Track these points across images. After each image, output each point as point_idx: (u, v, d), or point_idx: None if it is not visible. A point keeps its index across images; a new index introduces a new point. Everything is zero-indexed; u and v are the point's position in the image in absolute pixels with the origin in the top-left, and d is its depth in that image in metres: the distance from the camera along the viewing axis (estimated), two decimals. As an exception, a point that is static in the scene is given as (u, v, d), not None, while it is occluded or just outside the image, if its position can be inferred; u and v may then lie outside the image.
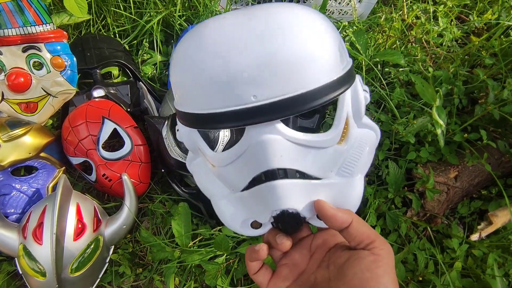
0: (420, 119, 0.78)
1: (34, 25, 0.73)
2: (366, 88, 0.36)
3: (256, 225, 0.36)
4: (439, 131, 0.68)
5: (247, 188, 0.34)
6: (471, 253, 0.79)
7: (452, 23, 1.07)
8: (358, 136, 0.35)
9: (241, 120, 0.30)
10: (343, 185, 0.34)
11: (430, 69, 0.86)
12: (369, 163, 0.36)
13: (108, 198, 0.83)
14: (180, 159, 0.71)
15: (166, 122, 0.73)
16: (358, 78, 0.36)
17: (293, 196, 0.32)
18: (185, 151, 0.70)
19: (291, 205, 0.32)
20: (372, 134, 0.37)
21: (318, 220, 0.35)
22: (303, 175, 0.33)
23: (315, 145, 0.32)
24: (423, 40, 0.93)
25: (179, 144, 0.70)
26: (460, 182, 0.84)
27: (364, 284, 0.28)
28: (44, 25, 0.74)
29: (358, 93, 0.35)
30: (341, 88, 0.32)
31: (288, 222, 0.33)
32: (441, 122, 0.67)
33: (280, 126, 0.31)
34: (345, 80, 0.32)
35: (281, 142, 0.30)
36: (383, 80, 0.88)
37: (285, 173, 0.31)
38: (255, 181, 0.33)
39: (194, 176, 0.41)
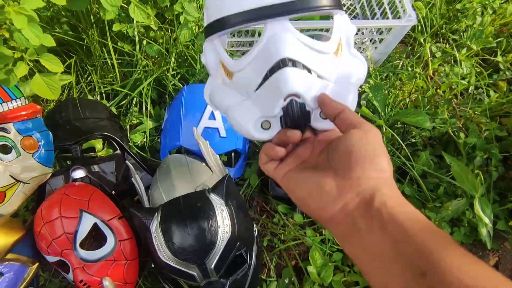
0: (455, 202, 0.66)
1: (1, 103, 0.63)
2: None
3: (266, 126, 0.40)
4: (484, 232, 0.56)
5: (260, 85, 0.39)
6: None
7: (476, 68, 0.95)
8: (349, 59, 0.42)
9: (260, 16, 0.37)
10: (340, 91, 0.39)
11: (462, 135, 0.74)
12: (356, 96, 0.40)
13: (89, 297, 0.71)
14: (171, 263, 0.59)
15: (156, 214, 0.62)
16: (344, 13, 0.43)
17: (301, 83, 0.37)
18: (177, 253, 0.58)
19: (299, 90, 0.36)
20: (361, 65, 0.42)
21: (320, 122, 0.39)
22: (309, 71, 0.38)
23: (317, 48, 0.38)
24: (450, 96, 0.81)
25: (170, 245, 0.59)
26: (501, 270, 0.72)
27: (357, 150, 0.32)
28: (13, 101, 0.64)
29: (348, 23, 0.43)
30: (337, 5, 0.40)
31: (296, 113, 0.38)
32: (486, 220, 0.55)
33: (290, 26, 0.38)
34: (338, 3, 0.41)
35: (291, 38, 0.37)
36: (404, 148, 0.76)
37: (294, 64, 0.37)
38: (268, 75, 0.38)
39: (212, 98, 0.45)
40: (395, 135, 0.76)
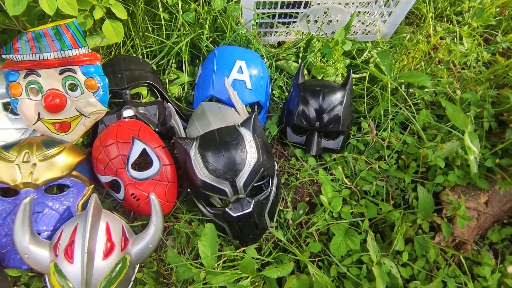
0: (450, 143, 0.77)
1: (71, 49, 0.76)
2: None
3: None
4: (471, 158, 0.66)
5: None
6: (504, 282, 0.76)
7: (477, 43, 1.06)
8: None
9: None
10: None
11: (458, 92, 0.85)
12: None
13: (134, 216, 0.84)
14: (207, 180, 0.71)
15: (194, 143, 0.74)
16: None
17: None
18: (212, 172, 0.71)
19: None
20: None
21: None
22: None
23: None
24: (450, 62, 0.92)
25: (207, 165, 0.71)
26: (491, 207, 0.82)
27: None
28: (80, 49, 0.77)
29: None
30: None
31: None
32: (474, 148, 0.65)
33: None
34: None
35: None
36: (408, 100, 0.87)
37: None
38: None
39: None
40: (401, 89, 0.86)
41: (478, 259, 0.79)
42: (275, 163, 0.82)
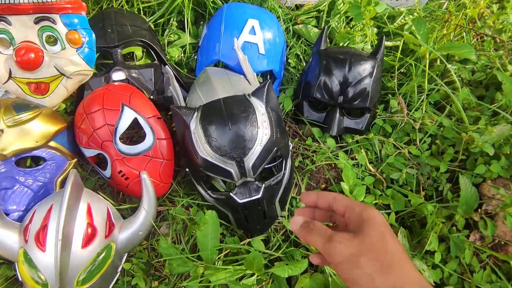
0: (500, 127, 0.64)
1: (49, -7, 0.63)
2: None
3: None
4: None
5: None
6: (549, 291, 0.66)
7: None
8: None
9: None
10: None
11: (510, 67, 0.72)
12: None
13: (123, 198, 0.73)
14: (210, 159, 0.59)
15: (196, 114, 0.62)
16: None
17: None
18: (216, 149, 0.59)
19: None
20: None
21: None
22: None
23: None
24: (498, 33, 0.78)
25: (210, 141, 0.59)
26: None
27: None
28: (60, -7, 0.63)
29: None
30: None
31: None
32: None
33: None
34: None
35: None
36: (452, 72, 0.74)
37: None
38: None
39: None
40: (441, 58, 0.72)
41: (520, 263, 0.68)
42: (290, 143, 0.70)
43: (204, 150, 0.60)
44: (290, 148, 0.70)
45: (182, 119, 0.62)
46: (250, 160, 0.59)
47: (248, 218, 0.63)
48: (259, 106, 0.62)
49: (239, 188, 0.61)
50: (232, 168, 0.59)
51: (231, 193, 0.62)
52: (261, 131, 0.60)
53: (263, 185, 0.62)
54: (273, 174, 0.67)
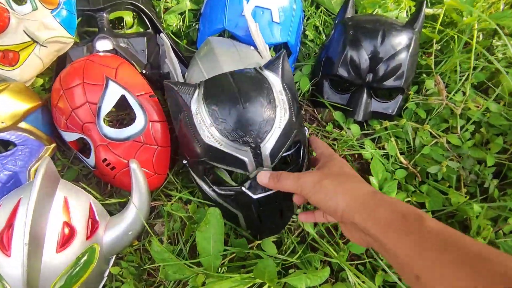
0: None
1: None
2: None
3: None
4: None
5: None
6: None
7: None
8: None
9: None
10: None
11: None
12: None
13: (112, 190, 0.62)
14: (217, 145, 0.48)
15: (197, 91, 0.50)
16: None
17: None
18: (227, 133, 0.47)
19: None
20: None
21: None
22: None
23: None
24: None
25: (218, 123, 0.47)
26: None
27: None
28: None
29: None
30: None
31: None
32: None
33: None
34: None
35: None
36: (507, 50, 0.62)
37: None
38: None
39: None
40: (497, 28, 0.60)
41: None
42: (306, 128, 0.59)
43: (210, 135, 0.48)
44: (307, 134, 0.58)
45: (180, 98, 0.50)
46: (268, 145, 0.47)
47: (262, 217, 0.53)
48: (275, 82, 0.50)
49: (252, 181, 0.50)
50: (246, 156, 0.48)
51: (243, 187, 0.50)
52: (279, 111, 0.48)
53: (280, 177, 0.51)
54: (288, 164, 0.56)
